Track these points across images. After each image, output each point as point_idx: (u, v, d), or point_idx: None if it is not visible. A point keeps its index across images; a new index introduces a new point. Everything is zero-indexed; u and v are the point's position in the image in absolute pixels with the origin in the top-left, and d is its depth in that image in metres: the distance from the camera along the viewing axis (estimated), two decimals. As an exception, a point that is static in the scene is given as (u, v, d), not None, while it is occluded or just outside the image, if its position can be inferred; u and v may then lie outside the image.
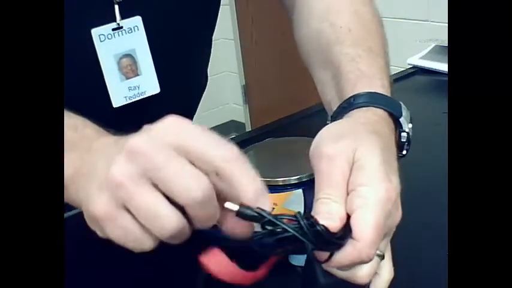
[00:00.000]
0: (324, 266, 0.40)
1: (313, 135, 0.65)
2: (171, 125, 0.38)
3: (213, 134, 0.37)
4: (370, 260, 0.40)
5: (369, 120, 0.47)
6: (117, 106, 0.63)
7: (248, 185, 0.37)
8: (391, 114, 0.49)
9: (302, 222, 0.37)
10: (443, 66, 1.04)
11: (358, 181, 0.41)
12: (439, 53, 1.09)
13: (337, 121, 0.48)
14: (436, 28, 1.91)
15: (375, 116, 0.48)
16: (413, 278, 0.46)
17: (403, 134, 0.50)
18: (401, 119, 0.49)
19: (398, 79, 1.05)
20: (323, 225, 0.38)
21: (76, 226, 0.50)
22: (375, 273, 0.44)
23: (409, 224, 0.53)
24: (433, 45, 1.12)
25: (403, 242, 0.45)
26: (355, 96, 0.50)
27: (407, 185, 0.48)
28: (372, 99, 0.50)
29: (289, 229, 0.37)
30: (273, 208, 0.54)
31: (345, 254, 0.39)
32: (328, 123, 0.52)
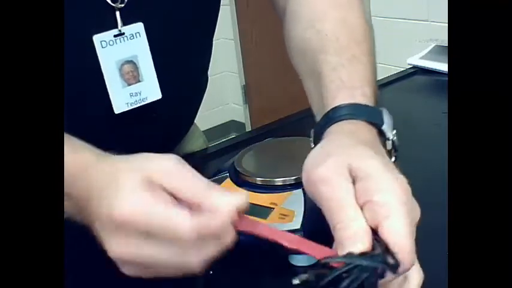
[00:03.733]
0: None
1: (313, 135, 0.65)
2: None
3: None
4: (413, 264, 0.39)
5: (350, 132, 0.47)
6: (118, 112, 0.63)
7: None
8: (372, 124, 0.49)
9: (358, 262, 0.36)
10: (443, 66, 1.04)
11: (371, 190, 0.39)
12: (439, 53, 1.09)
13: (320, 144, 0.47)
14: (436, 28, 1.91)
15: (355, 127, 0.48)
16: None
17: (388, 142, 0.49)
18: (384, 127, 0.49)
19: (398, 79, 1.05)
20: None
21: (76, 227, 0.50)
22: (404, 278, 0.42)
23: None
24: (433, 45, 1.12)
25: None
26: (334, 109, 0.50)
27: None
28: (351, 111, 0.49)
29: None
30: (273, 208, 0.54)
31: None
32: (311, 140, 0.52)
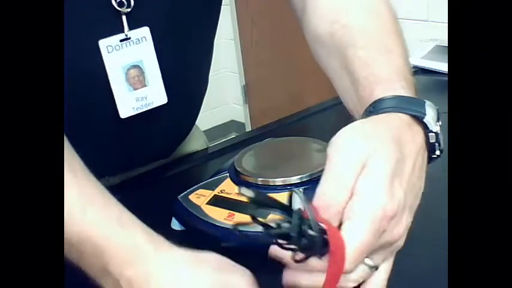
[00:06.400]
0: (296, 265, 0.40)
1: (313, 135, 0.65)
2: None
3: None
4: (346, 272, 0.40)
5: (392, 126, 0.46)
6: (124, 117, 0.63)
7: None
8: (414, 117, 0.47)
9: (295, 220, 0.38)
10: (443, 66, 1.04)
11: (359, 189, 0.40)
12: (439, 53, 1.09)
13: (363, 120, 0.47)
14: (436, 28, 1.91)
15: (398, 121, 0.46)
16: (414, 279, 0.46)
17: (431, 135, 0.47)
18: (426, 120, 0.47)
19: (398, 79, 1.04)
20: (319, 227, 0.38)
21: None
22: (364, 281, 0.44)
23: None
24: (433, 45, 1.12)
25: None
26: (374, 104, 0.49)
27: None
28: (391, 104, 0.48)
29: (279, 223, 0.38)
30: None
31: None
32: None
